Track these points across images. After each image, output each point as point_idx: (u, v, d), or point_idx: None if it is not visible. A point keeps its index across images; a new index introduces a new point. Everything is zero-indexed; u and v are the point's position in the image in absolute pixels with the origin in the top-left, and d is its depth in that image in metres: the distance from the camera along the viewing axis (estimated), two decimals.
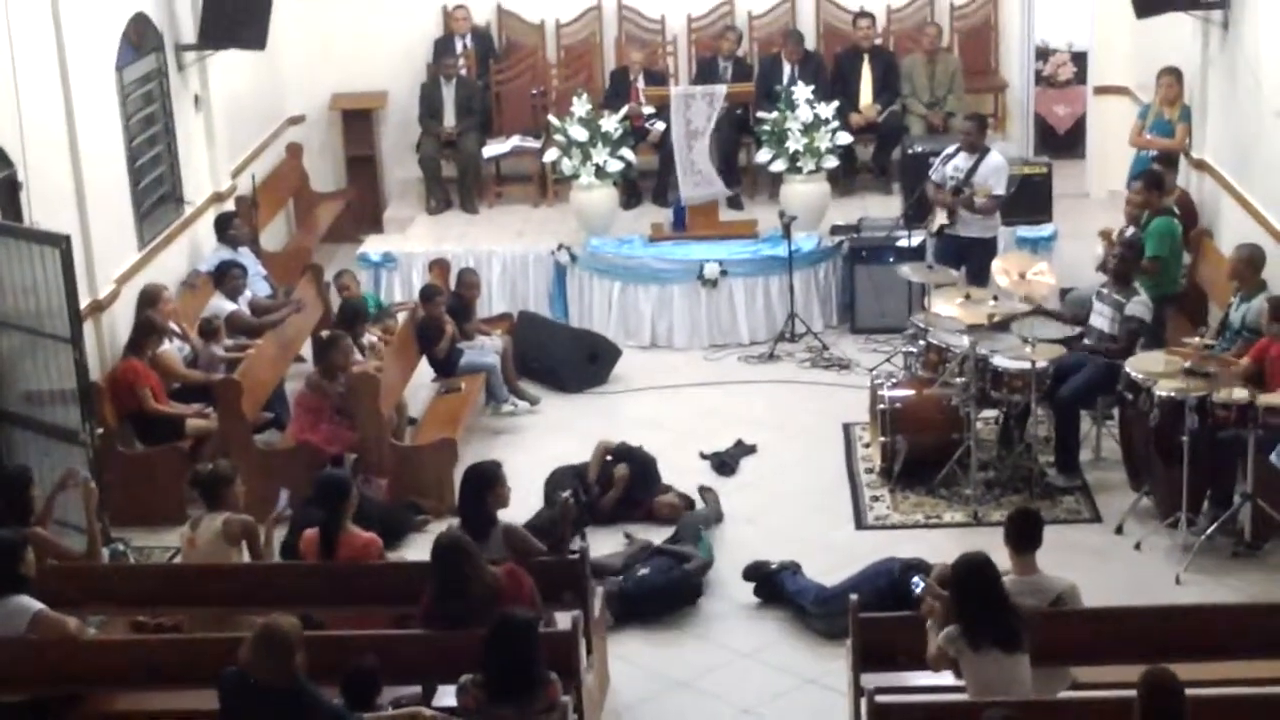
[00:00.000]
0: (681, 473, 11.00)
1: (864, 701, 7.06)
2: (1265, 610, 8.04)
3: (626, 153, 13.81)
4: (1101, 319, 10.71)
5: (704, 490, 10.66)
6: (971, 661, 6.99)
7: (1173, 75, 12.91)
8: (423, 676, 7.76)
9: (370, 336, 11.84)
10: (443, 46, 15.52)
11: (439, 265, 13.17)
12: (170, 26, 12.81)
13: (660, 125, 14.18)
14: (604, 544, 9.89)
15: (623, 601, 9.26)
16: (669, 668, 8.92)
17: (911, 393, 10.85)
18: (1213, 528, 9.62)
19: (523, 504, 9.63)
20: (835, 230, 13.71)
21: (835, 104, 13.85)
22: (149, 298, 11.38)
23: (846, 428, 11.67)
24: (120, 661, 7.75)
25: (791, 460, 11.29)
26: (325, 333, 11.52)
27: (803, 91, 13.72)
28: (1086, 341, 10.72)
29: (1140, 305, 10.60)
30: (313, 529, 8.58)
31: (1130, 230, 11.67)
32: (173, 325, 11.41)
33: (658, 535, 10.10)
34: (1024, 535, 7.49)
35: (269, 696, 6.69)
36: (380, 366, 11.29)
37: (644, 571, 9.47)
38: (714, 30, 15.60)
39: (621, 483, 10.54)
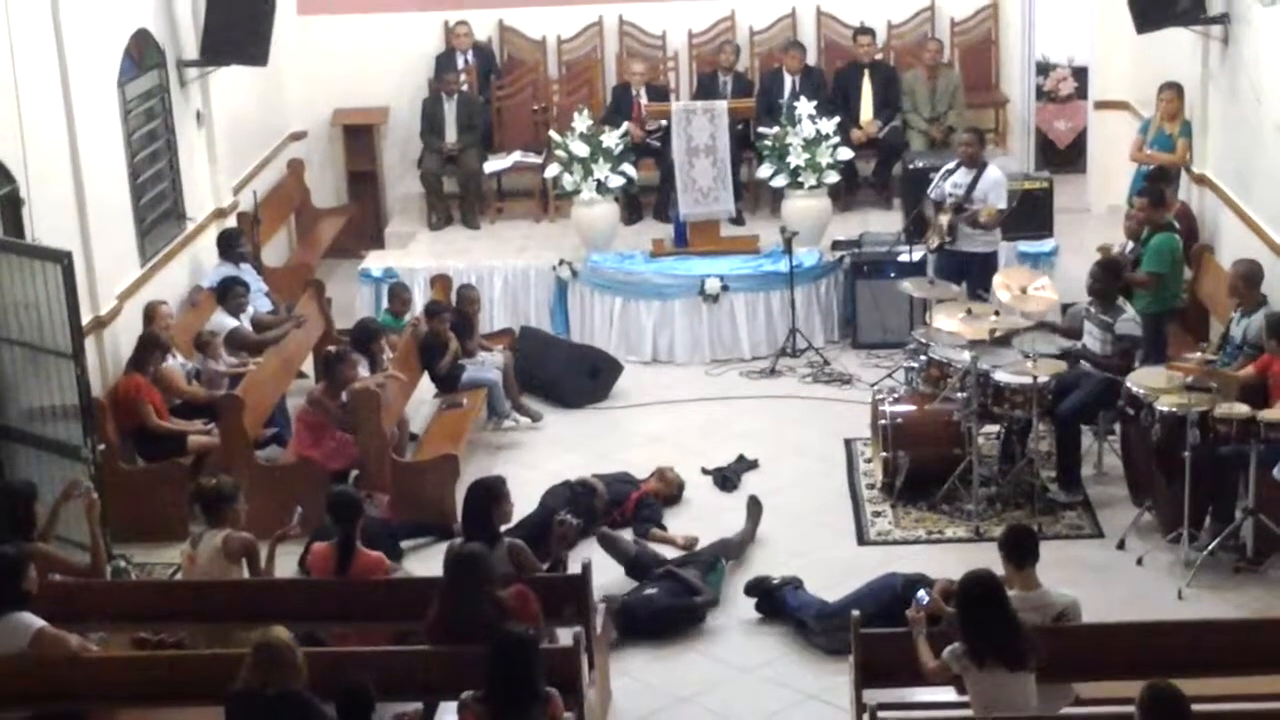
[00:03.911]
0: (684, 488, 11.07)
1: (866, 717, 7.07)
2: (1267, 626, 8.03)
3: (628, 168, 13.83)
4: (1092, 339, 10.71)
5: (753, 503, 10.51)
6: (976, 678, 7.00)
7: (1173, 90, 12.92)
8: (424, 693, 7.78)
9: (388, 353, 11.81)
10: (444, 62, 15.54)
11: (441, 281, 13.17)
12: (172, 43, 12.84)
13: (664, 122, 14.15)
14: (608, 556, 9.88)
15: (625, 616, 9.26)
16: (671, 683, 8.91)
17: (913, 408, 10.85)
18: (1215, 543, 9.61)
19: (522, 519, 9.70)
20: (836, 245, 13.71)
21: (836, 119, 13.87)
22: (148, 314, 11.40)
23: (848, 443, 11.67)
24: (122, 678, 7.75)
25: (793, 476, 11.29)
26: (333, 349, 11.53)
27: (805, 107, 13.75)
28: (1082, 362, 10.70)
29: (1129, 323, 10.60)
30: (321, 543, 8.61)
31: (1130, 246, 11.68)
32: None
33: (666, 550, 10.14)
34: (1020, 552, 7.49)
35: (279, 711, 6.73)
36: (395, 376, 11.32)
37: (651, 591, 9.47)
38: (714, 46, 15.62)
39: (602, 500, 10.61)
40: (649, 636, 9.28)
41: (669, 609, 9.38)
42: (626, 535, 10.22)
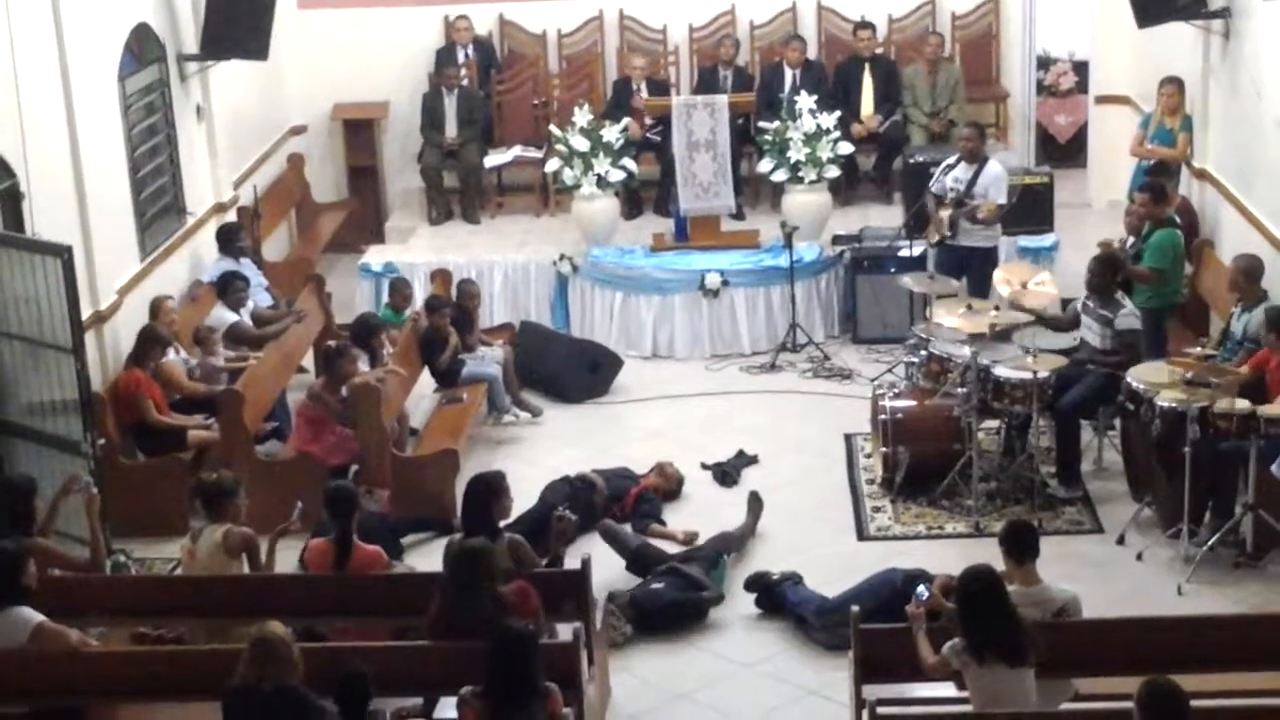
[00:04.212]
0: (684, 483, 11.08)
1: (865, 713, 7.07)
2: (1266, 621, 8.04)
3: (628, 163, 13.82)
4: (1091, 333, 10.71)
5: (754, 498, 10.52)
6: (976, 674, 7.00)
7: (1174, 85, 12.91)
8: (424, 688, 7.77)
9: (388, 348, 11.80)
10: (444, 57, 15.53)
11: (441, 276, 13.17)
12: (172, 37, 12.83)
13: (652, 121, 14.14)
14: (608, 552, 9.89)
15: (634, 610, 9.25)
16: (670, 679, 8.91)
17: (913, 403, 10.85)
18: (1214, 538, 9.61)
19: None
20: (837, 240, 13.71)
21: (837, 114, 13.86)
22: (153, 309, 11.41)
23: (848, 438, 11.67)
24: (122, 673, 7.75)
25: (793, 471, 11.28)
26: (333, 343, 11.53)
27: (805, 101, 13.74)
28: (1079, 355, 10.69)
29: (1129, 317, 10.60)
30: (318, 539, 8.60)
31: (1130, 241, 11.67)
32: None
33: (667, 547, 10.13)
34: (1020, 547, 7.50)
35: (275, 706, 6.73)
36: (395, 370, 11.31)
37: (658, 586, 9.46)
38: (715, 40, 15.62)
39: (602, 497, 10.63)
40: (655, 631, 9.28)
41: (675, 603, 9.38)
42: (627, 529, 10.23)
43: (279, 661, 6.80)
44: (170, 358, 11.24)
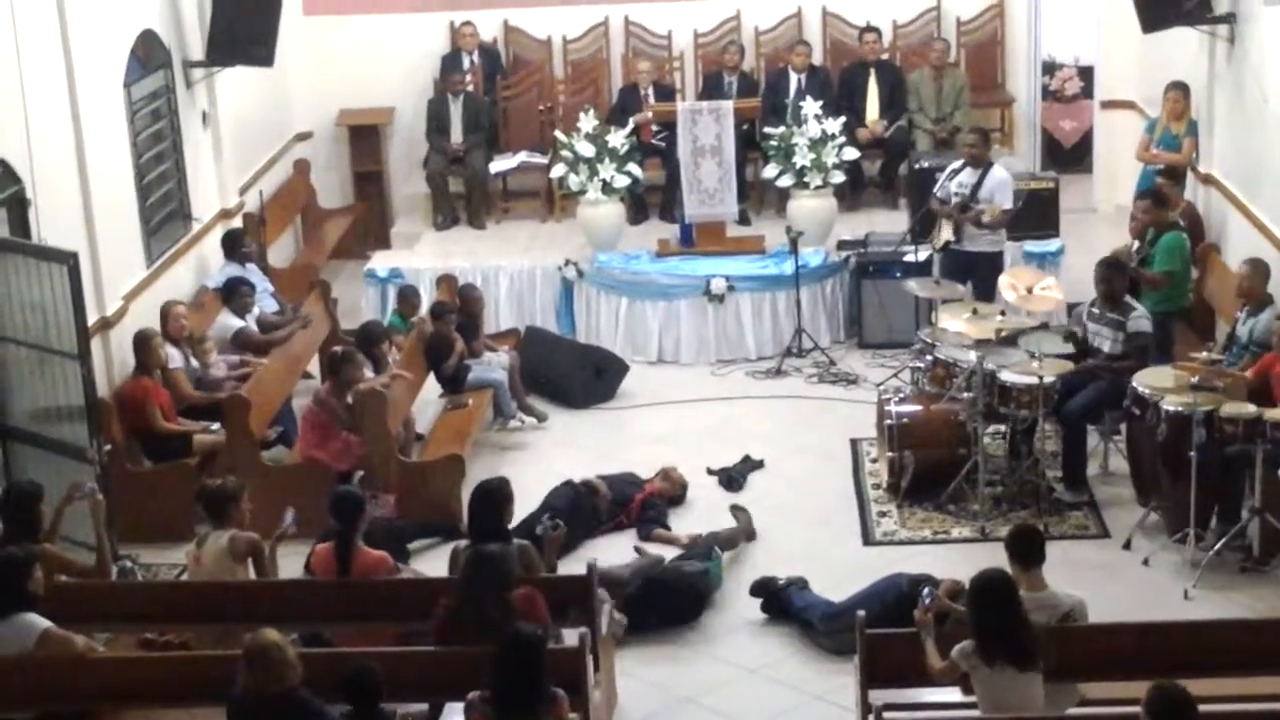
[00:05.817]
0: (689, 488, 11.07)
1: (872, 718, 7.06)
2: (1273, 626, 8.01)
3: (633, 168, 13.83)
4: (1102, 339, 10.69)
5: (736, 509, 10.58)
6: (985, 678, 7.00)
7: (1179, 90, 12.91)
8: (429, 694, 7.77)
9: (394, 354, 11.79)
10: (450, 63, 15.55)
11: (447, 281, 13.16)
12: (178, 43, 12.84)
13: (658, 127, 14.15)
14: (613, 557, 9.87)
15: (629, 604, 9.23)
16: (676, 684, 8.91)
17: (919, 408, 10.84)
18: (1221, 543, 9.60)
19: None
20: (842, 245, 13.71)
21: (842, 119, 13.87)
22: (162, 314, 11.42)
23: (854, 443, 11.66)
24: (128, 679, 7.74)
25: (798, 476, 11.28)
26: (339, 348, 11.54)
27: (811, 106, 13.75)
28: (1091, 361, 10.68)
29: (1142, 320, 10.59)
30: (324, 544, 8.60)
31: (1135, 246, 11.67)
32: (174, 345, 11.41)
33: (668, 551, 10.13)
34: (1026, 552, 7.49)
35: (279, 712, 6.72)
36: (401, 374, 11.31)
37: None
38: (720, 46, 15.63)
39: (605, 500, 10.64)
40: (654, 625, 9.27)
41: (669, 581, 9.40)
42: (622, 563, 10.07)
43: (277, 666, 6.77)
44: (178, 365, 11.24)
